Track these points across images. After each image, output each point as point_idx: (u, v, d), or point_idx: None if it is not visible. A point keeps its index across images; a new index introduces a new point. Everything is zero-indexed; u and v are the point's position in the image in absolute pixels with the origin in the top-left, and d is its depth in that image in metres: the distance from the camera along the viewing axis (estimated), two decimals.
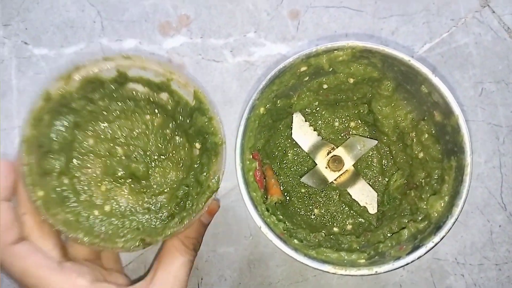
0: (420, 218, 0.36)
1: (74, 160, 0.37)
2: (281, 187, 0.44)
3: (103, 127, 0.38)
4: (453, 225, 0.32)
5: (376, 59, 0.36)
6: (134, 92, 0.38)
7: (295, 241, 0.35)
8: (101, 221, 0.36)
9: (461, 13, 0.50)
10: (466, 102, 0.49)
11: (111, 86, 0.37)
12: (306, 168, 0.45)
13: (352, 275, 0.32)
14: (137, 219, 0.38)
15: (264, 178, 0.42)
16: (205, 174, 0.36)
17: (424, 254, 0.32)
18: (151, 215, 0.38)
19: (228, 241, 0.48)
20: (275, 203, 0.41)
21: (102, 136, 0.38)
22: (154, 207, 0.39)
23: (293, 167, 0.45)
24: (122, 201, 0.38)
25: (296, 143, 0.45)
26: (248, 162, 0.36)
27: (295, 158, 0.45)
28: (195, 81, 0.36)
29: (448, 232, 0.32)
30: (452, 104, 0.33)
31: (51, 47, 0.50)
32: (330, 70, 0.38)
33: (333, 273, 0.32)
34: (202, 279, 0.48)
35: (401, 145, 0.42)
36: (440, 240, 0.32)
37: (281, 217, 0.40)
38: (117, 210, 0.38)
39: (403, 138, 0.42)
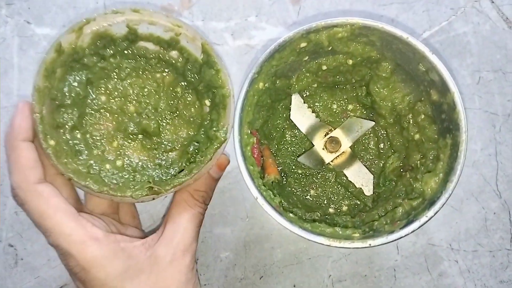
0: (414, 196, 0.36)
1: (87, 116, 0.38)
2: (278, 167, 0.44)
3: (115, 84, 0.39)
4: (447, 200, 0.32)
5: (375, 37, 0.36)
6: (144, 50, 0.38)
7: (291, 214, 0.35)
8: (113, 174, 0.38)
9: (460, 3, 0.51)
10: (464, 90, 0.50)
11: (123, 43, 0.37)
12: (303, 149, 0.45)
13: (346, 247, 0.32)
14: (147, 174, 0.39)
15: (262, 158, 0.42)
16: (214, 129, 0.37)
17: (418, 228, 0.32)
18: (162, 171, 0.39)
19: (225, 222, 0.48)
20: (272, 182, 0.41)
21: (114, 93, 0.39)
22: (165, 163, 0.39)
23: (290, 148, 0.46)
24: (134, 157, 0.39)
25: (294, 124, 0.45)
26: (246, 137, 0.36)
27: (293, 139, 0.46)
28: (203, 34, 0.36)
29: (441, 207, 0.32)
30: (449, 81, 0.33)
31: (53, 27, 0.51)
32: (330, 49, 0.38)
33: (327, 245, 0.32)
34: (197, 259, 0.48)
35: (398, 128, 0.43)
36: (434, 215, 0.32)
37: (278, 196, 0.40)
38: (129, 165, 0.39)
39: (400, 121, 0.42)
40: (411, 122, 0.40)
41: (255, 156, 0.39)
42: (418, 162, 0.39)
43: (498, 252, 0.48)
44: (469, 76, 0.50)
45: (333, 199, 0.44)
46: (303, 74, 0.43)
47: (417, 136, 0.40)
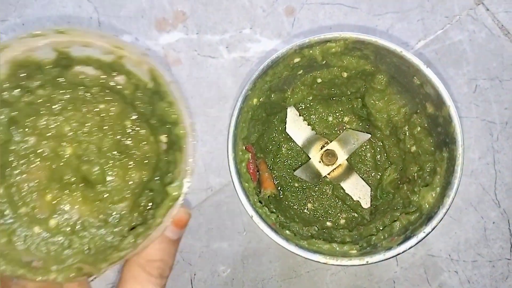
0: (412, 210, 0.36)
1: (12, 165, 0.30)
2: (275, 181, 0.44)
3: (46, 122, 0.31)
4: (444, 215, 0.32)
5: (368, 51, 0.36)
6: (83, 77, 0.31)
7: (287, 231, 0.35)
8: (42, 241, 0.30)
9: (455, 11, 0.50)
10: (460, 99, 0.49)
11: (53, 70, 0.30)
12: (299, 163, 0.45)
13: (343, 265, 0.32)
14: (89, 235, 0.31)
15: (258, 172, 0.42)
16: (170, 174, 0.30)
17: (415, 244, 0.32)
18: (108, 230, 0.31)
19: (222, 236, 0.48)
20: (268, 197, 0.41)
21: (45, 133, 0.31)
22: (112, 218, 0.32)
23: (287, 161, 0.45)
24: (73, 213, 0.32)
25: (290, 137, 0.45)
26: (241, 153, 0.36)
27: (289, 152, 0.45)
28: (151, 57, 0.29)
29: (439, 222, 0.32)
30: (444, 95, 0.33)
31: None
32: (324, 62, 0.38)
33: (324, 263, 0.32)
34: (195, 274, 0.48)
35: (394, 140, 0.42)
36: (432, 231, 0.32)
37: (274, 210, 0.39)
38: (66, 224, 0.31)
39: (396, 133, 0.42)
40: (407, 134, 0.40)
41: (250, 171, 0.38)
42: (416, 174, 0.39)
43: (498, 262, 0.47)
44: (465, 85, 0.50)
45: (330, 212, 0.44)
46: (298, 87, 0.42)
47: (413, 148, 0.39)
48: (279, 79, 0.38)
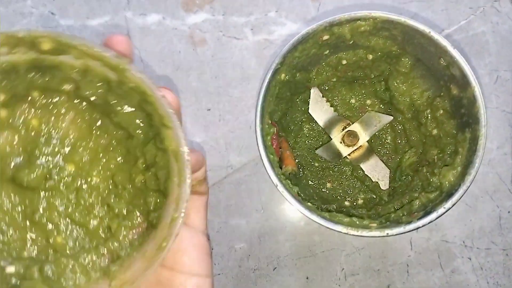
0: (431, 190, 0.37)
1: None
2: (295, 159, 0.45)
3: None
4: (465, 192, 0.33)
5: (397, 31, 0.37)
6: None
7: (309, 203, 0.36)
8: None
9: (480, 2, 0.51)
10: (481, 89, 0.50)
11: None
12: (320, 143, 0.46)
13: (364, 236, 0.33)
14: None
15: (280, 149, 0.43)
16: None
17: (436, 218, 0.33)
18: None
19: (240, 213, 0.49)
20: (289, 174, 0.42)
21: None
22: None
23: (308, 141, 0.46)
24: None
25: (312, 117, 0.46)
26: (267, 126, 0.37)
27: (311, 132, 0.46)
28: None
29: (459, 198, 0.33)
30: (469, 76, 0.34)
31: (76, 18, 0.52)
32: (351, 42, 0.39)
33: (345, 233, 0.33)
34: (212, 249, 0.49)
35: (416, 123, 0.43)
36: (452, 206, 0.33)
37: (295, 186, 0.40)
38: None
39: (417, 116, 0.42)
40: (429, 117, 0.41)
41: (273, 147, 0.39)
42: (436, 157, 0.40)
43: (511, 250, 0.48)
44: (487, 75, 0.50)
45: (349, 192, 0.45)
46: (323, 68, 0.43)
47: (435, 131, 0.40)
48: (306, 56, 0.39)
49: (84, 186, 0.26)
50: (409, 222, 0.33)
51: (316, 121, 0.45)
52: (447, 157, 0.38)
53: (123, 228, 0.26)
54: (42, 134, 0.26)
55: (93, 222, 0.26)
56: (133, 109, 0.25)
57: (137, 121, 0.26)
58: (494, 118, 0.50)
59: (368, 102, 0.46)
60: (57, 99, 0.25)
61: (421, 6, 0.51)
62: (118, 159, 0.27)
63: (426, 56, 0.37)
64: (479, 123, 0.33)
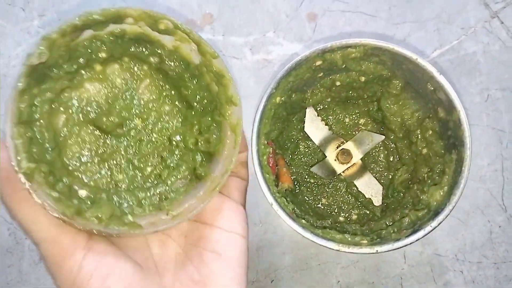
0: (420, 207, 0.38)
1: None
2: (292, 176, 0.47)
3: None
4: (450, 211, 0.34)
5: (386, 57, 0.38)
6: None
7: (303, 221, 0.38)
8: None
9: (471, 23, 0.53)
10: (472, 107, 0.52)
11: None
12: (316, 160, 0.48)
13: (354, 253, 0.34)
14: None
15: (277, 167, 0.45)
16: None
17: (423, 237, 0.34)
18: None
19: None
20: (285, 190, 0.44)
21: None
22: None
23: (304, 158, 0.48)
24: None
25: (307, 136, 0.47)
26: (263, 147, 0.39)
27: (306, 150, 0.48)
28: (223, 49, 0.33)
29: (445, 218, 0.34)
30: (455, 101, 0.36)
31: None
32: (343, 66, 0.41)
33: (336, 250, 0.34)
34: None
35: (407, 142, 0.45)
36: (438, 225, 0.34)
37: (291, 203, 0.42)
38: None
39: (409, 135, 0.44)
40: (419, 137, 0.42)
41: (270, 165, 0.41)
42: (425, 175, 0.42)
43: (502, 264, 0.50)
44: (477, 94, 0.52)
45: (343, 208, 0.47)
46: (318, 89, 0.45)
47: (425, 151, 0.42)
48: (301, 80, 0.40)
49: (146, 139, 0.32)
50: (398, 239, 0.35)
51: (311, 139, 0.47)
52: (435, 176, 0.40)
53: (172, 176, 0.32)
54: (123, 91, 0.32)
55: (148, 169, 0.32)
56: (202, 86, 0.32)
57: (200, 97, 0.32)
58: (485, 136, 0.51)
59: (362, 121, 0.47)
60: (140, 67, 0.32)
61: (414, 27, 0.53)
62: (177, 123, 0.33)
63: (415, 80, 0.39)
64: (464, 145, 0.35)
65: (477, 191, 0.50)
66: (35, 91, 0.27)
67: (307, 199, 0.47)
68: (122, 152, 0.32)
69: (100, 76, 0.31)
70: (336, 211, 0.46)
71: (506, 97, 0.52)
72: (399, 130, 0.44)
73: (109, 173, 0.31)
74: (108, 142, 0.32)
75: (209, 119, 0.32)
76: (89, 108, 0.31)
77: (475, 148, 0.50)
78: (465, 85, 0.52)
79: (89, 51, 0.29)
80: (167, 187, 0.32)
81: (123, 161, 0.32)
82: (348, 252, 0.34)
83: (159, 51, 0.31)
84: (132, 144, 0.32)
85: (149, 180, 0.32)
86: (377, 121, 0.47)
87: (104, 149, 0.31)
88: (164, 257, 0.30)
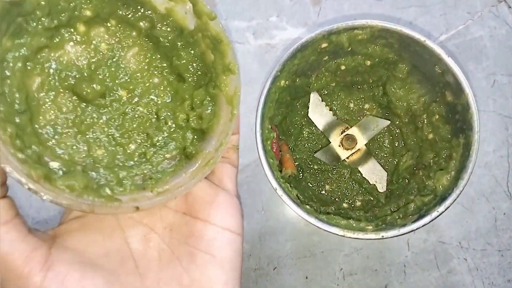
0: (426, 193, 0.38)
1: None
2: (295, 162, 0.46)
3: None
4: (457, 196, 0.34)
5: (393, 39, 0.38)
6: None
7: (307, 206, 0.37)
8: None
9: (477, 7, 0.52)
10: (478, 93, 0.51)
11: None
12: (320, 146, 0.47)
13: (360, 238, 0.34)
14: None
15: (280, 153, 0.44)
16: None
17: (429, 222, 0.34)
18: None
19: None
20: (288, 176, 0.43)
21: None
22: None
23: (307, 144, 0.47)
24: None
25: (311, 121, 0.47)
26: (267, 131, 0.38)
27: (310, 135, 0.47)
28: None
29: (452, 202, 0.34)
30: (463, 83, 0.35)
31: None
32: (349, 49, 0.40)
33: (341, 235, 0.34)
34: None
35: (413, 127, 0.44)
36: (445, 210, 0.34)
37: (294, 189, 0.42)
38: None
39: (414, 121, 0.43)
40: (425, 122, 0.42)
41: (274, 150, 0.41)
42: (431, 160, 0.41)
43: (507, 251, 0.49)
44: (484, 79, 0.51)
45: (347, 194, 0.46)
46: (322, 74, 0.44)
47: (431, 136, 0.41)
48: (306, 63, 0.40)
49: (131, 113, 0.29)
50: (404, 225, 0.34)
51: (315, 125, 0.47)
52: (442, 161, 0.39)
53: (158, 156, 0.29)
54: (107, 58, 0.29)
55: (131, 146, 0.29)
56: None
57: (193, 68, 0.29)
58: (491, 122, 0.50)
59: (366, 106, 0.47)
60: (128, 32, 0.29)
61: (419, 12, 0.52)
62: (166, 98, 0.30)
63: (422, 63, 0.38)
64: (473, 129, 0.34)
65: (483, 177, 0.50)
66: (8, 44, 0.24)
67: (311, 185, 0.46)
68: (103, 126, 0.28)
69: (83, 39, 0.28)
70: (340, 197, 0.46)
71: None
72: (404, 115, 0.44)
73: (86, 147, 0.28)
74: (87, 112, 0.28)
75: (203, 92, 0.29)
76: (68, 73, 0.27)
77: (480, 134, 0.50)
78: (471, 70, 0.51)
79: (72, 5, 0.26)
80: (152, 167, 0.28)
81: (103, 136, 0.28)
82: (354, 238, 0.34)
83: (150, 15, 0.28)
84: (115, 117, 0.29)
85: (133, 159, 0.29)
86: (382, 106, 0.46)
87: (82, 120, 0.28)
88: (147, 255, 0.26)
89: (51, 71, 0.27)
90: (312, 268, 0.50)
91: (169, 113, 0.30)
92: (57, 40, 0.27)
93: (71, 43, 0.27)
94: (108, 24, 0.28)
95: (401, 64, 0.41)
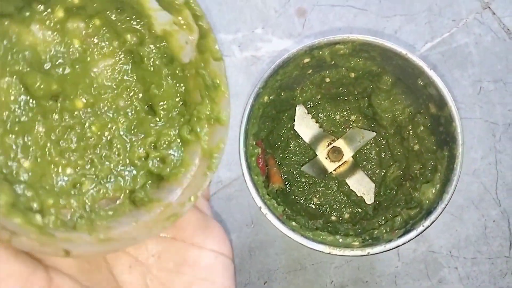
0: (413, 206, 0.37)
1: None
2: (283, 176, 0.46)
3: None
4: (443, 210, 0.34)
5: (375, 53, 0.38)
6: None
7: (293, 223, 0.37)
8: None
9: (462, 14, 0.52)
10: (465, 100, 0.51)
11: None
12: (307, 159, 0.47)
13: (345, 255, 0.33)
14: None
15: (267, 167, 0.44)
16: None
17: (415, 237, 0.33)
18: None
19: (230, 228, 0.50)
20: (276, 191, 0.43)
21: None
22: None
23: (294, 157, 0.47)
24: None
25: (298, 134, 0.46)
26: (251, 148, 0.38)
27: (297, 148, 0.47)
28: None
29: (438, 217, 0.34)
30: (446, 96, 0.35)
31: None
32: (332, 63, 0.40)
33: (327, 253, 0.34)
34: None
35: (399, 138, 0.44)
36: (430, 224, 0.33)
37: (281, 203, 0.41)
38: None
39: (400, 132, 0.43)
40: (411, 133, 0.42)
41: (260, 165, 0.40)
42: (418, 172, 0.41)
43: (497, 259, 0.49)
44: (470, 86, 0.51)
45: (335, 207, 0.46)
46: (307, 86, 0.44)
47: (416, 147, 0.41)
48: (289, 78, 0.40)
49: (79, 130, 0.24)
50: (390, 240, 0.34)
51: (302, 138, 0.46)
52: (428, 173, 0.39)
53: (93, 191, 0.23)
54: (76, 58, 0.24)
55: (67, 170, 0.23)
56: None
57: (170, 105, 0.25)
58: (478, 129, 0.50)
59: (352, 117, 0.47)
60: (110, 40, 0.24)
61: (404, 20, 0.52)
62: (127, 125, 0.25)
63: (405, 76, 0.38)
64: (456, 142, 0.34)
65: (471, 185, 0.50)
66: None
67: (299, 199, 0.46)
68: (41, 134, 0.23)
69: (57, 26, 0.23)
70: (328, 210, 0.46)
71: (499, 89, 0.51)
72: (390, 126, 0.44)
73: (12, 152, 0.21)
74: (28, 111, 0.22)
75: (174, 133, 0.25)
76: (24, 56, 0.22)
77: (468, 141, 0.50)
78: (457, 77, 0.51)
79: None
80: (85, 203, 0.23)
81: (36, 146, 0.22)
82: (339, 255, 0.33)
83: (142, 30, 0.24)
84: (59, 128, 0.23)
85: (61, 184, 0.23)
86: (368, 117, 0.46)
87: (18, 118, 0.22)
88: (136, 286, 0.23)
89: (2, 46, 0.21)
90: (302, 282, 0.49)
91: (126, 144, 0.25)
92: (27, 14, 0.22)
93: (40, 25, 0.22)
94: (92, 22, 0.24)
95: (385, 76, 0.41)
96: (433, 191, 0.36)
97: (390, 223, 0.38)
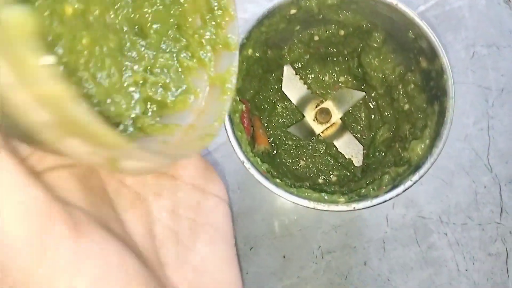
0: (401, 164, 0.36)
1: None
2: (269, 138, 0.45)
3: None
4: (431, 165, 0.33)
5: (364, 4, 0.36)
6: None
7: (277, 180, 0.36)
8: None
9: None
10: (458, 64, 0.49)
11: None
12: (294, 121, 0.46)
13: (330, 211, 0.32)
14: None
15: (252, 127, 0.42)
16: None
17: (402, 192, 0.32)
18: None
19: None
20: (262, 152, 0.42)
21: None
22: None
23: (281, 119, 0.46)
24: None
25: (285, 96, 0.45)
26: (234, 103, 0.36)
27: (284, 110, 0.46)
28: None
29: (427, 171, 0.32)
30: (437, 48, 0.33)
31: None
32: (321, 17, 0.38)
33: (311, 208, 0.32)
34: None
35: (389, 99, 0.43)
36: (419, 179, 0.32)
37: (268, 165, 0.40)
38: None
39: (390, 92, 0.42)
40: (401, 92, 0.40)
41: (245, 125, 0.39)
42: (408, 132, 0.40)
43: (487, 225, 0.48)
44: (463, 50, 0.50)
45: (322, 169, 0.45)
46: (295, 45, 0.43)
47: (406, 106, 0.40)
48: (275, 31, 0.38)
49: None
50: (377, 196, 0.33)
51: (289, 99, 0.45)
52: (418, 132, 0.38)
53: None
54: None
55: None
56: None
57: (162, 28, 0.23)
58: (471, 94, 0.49)
59: (342, 79, 0.45)
60: None
61: None
62: (118, 54, 0.22)
63: (396, 30, 0.37)
64: (447, 94, 0.33)
65: (462, 151, 0.49)
66: None
67: (285, 161, 0.45)
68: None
69: None
70: (315, 173, 0.44)
71: (492, 54, 0.50)
72: (380, 87, 0.42)
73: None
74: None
75: (168, 58, 0.22)
76: None
77: (460, 106, 0.49)
78: (450, 41, 0.50)
79: None
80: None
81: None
82: (324, 210, 0.32)
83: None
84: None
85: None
86: (357, 78, 0.44)
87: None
88: (141, 230, 0.21)
89: None
90: (289, 247, 0.48)
91: (121, 67, 0.21)
92: None
93: None
94: None
95: (375, 32, 0.39)
96: (422, 146, 0.34)
97: (378, 181, 0.37)
